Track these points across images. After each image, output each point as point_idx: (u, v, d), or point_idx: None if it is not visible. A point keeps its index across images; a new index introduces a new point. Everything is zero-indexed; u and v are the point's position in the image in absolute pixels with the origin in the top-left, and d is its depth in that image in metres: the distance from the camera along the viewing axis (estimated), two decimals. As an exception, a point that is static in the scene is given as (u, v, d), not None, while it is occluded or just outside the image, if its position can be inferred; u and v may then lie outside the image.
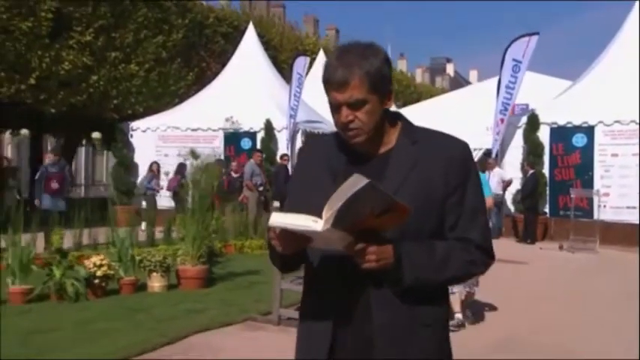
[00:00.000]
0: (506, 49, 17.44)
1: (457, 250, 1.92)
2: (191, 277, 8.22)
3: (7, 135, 33.57)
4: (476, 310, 7.33)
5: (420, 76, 61.34)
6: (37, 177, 12.94)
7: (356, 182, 1.65)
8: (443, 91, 50.66)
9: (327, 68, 1.89)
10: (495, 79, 21.27)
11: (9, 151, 37.81)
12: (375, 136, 1.93)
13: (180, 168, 16.19)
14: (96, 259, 7.53)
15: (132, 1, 20.73)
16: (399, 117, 2.02)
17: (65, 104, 18.62)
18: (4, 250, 7.81)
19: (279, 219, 1.73)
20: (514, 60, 17.27)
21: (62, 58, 18.25)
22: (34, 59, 17.34)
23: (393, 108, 1.98)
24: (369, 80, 1.85)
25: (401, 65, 58.09)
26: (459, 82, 75.56)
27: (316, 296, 1.96)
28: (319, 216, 1.70)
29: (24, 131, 18.74)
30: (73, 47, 18.71)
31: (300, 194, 2.03)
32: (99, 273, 7.47)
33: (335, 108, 1.90)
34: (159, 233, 12.26)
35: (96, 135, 18.70)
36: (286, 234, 1.77)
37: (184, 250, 8.46)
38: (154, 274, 7.98)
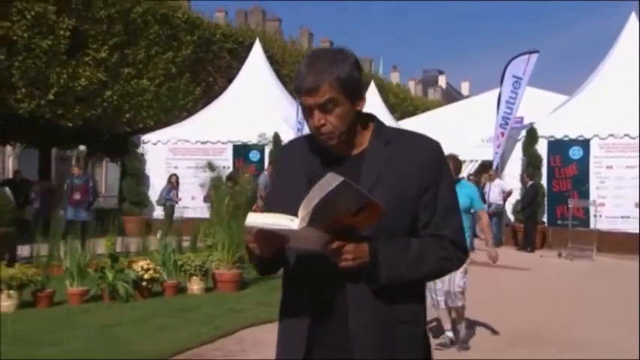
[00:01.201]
0: (506, 66, 18.26)
1: (432, 246, 1.94)
2: (227, 281, 8.95)
3: (8, 147, 34.08)
4: (467, 336, 6.73)
5: (413, 89, 62.18)
6: (64, 188, 13.63)
7: (331, 181, 1.68)
8: (438, 103, 51.62)
9: (298, 75, 1.92)
10: (489, 93, 22.32)
11: (10, 164, 38.33)
12: (349, 138, 1.96)
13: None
14: (143, 264, 8.25)
15: (144, 19, 21.49)
16: (371, 118, 2.05)
17: (81, 118, 19.32)
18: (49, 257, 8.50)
19: (256, 219, 1.76)
20: (514, 76, 18.10)
21: (79, 74, 18.95)
22: (52, 76, 18.04)
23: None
24: (339, 85, 1.88)
25: (394, 77, 58.86)
26: (451, 93, 76.12)
27: (294, 296, 1.98)
28: (296, 215, 1.74)
29: (82, 147, 19.52)
30: (89, 64, 19.43)
31: (276, 198, 2.06)
32: (146, 276, 8.19)
33: (307, 112, 1.93)
34: (185, 242, 12.92)
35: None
36: (263, 235, 1.80)
37: (219, 256, 9.16)
38: (194, 277, 8.70)
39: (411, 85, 65.73)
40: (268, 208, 2.00)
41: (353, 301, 1.87)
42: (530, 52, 18.12)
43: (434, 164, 1.98)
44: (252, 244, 1.85)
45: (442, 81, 78.61)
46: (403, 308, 1.93)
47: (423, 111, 36.99)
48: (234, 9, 47.38)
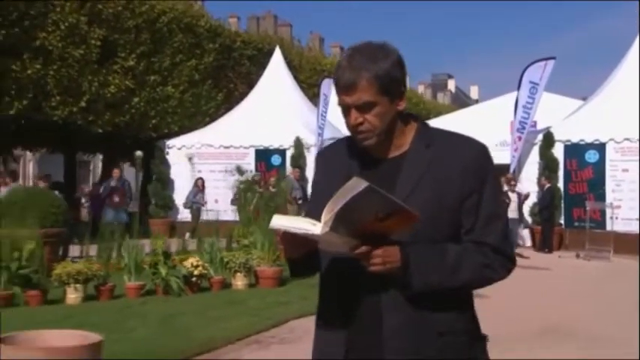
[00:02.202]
0: (523, 71, 18.80)
1: (471, 252, 1.85)
2: (268, 277, 9.55)
3: (28, 153, 34.83)
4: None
5: (422, 92, 62.66)
6: (101, 192, 14.30)
7: (354, 185, 1.64)
8: (449, 107, 52.16)
9: (337, 70, 1.87)
10: (500, 98, 22.97)
11: (31, 168, 39.12)
12: (388, 138, 1.89)
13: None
14: (193, 261, 8.86)
15: (169, 28, 22.19)
16: (414, 119, 1.98)
17: (110, 125, 20.02)
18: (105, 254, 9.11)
19: (279, 222, 1.74)
20: (531, 82, 18.62)
21: (109, 82, 19.67)
22: (84, 84, 18.75)
23: None
24: (378, 83, 1.82)
25: (404, 81, 59.31)
26: (460, 97, 76.24)
27: (329, 298, 1.93)
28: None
29: (138, 153, 20.25)
30: (118, 72, 20.14)
31: (316, 199, 2.00)
32: (196, 272, 8.80)
33: (345, 111, 1.88)
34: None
35: (138, 154, 20.08)
36: (289, 237, 1.78)
37: (259, 254, 9.77)
38: (238, 274, 9.30)
39: (421, 88, 66.10)
40: (308, 210, 1.99)
41: (385, 306, 1.81)
42: (547, 59, 18.65)
43: (479, 167, 1.89)
44: (280, 244, 1.85)
45: (451, 85, 78.47)
46: (439, 318, 1.82)
47: (435, 115, 37.48)
48: (247, 14, 47.75)
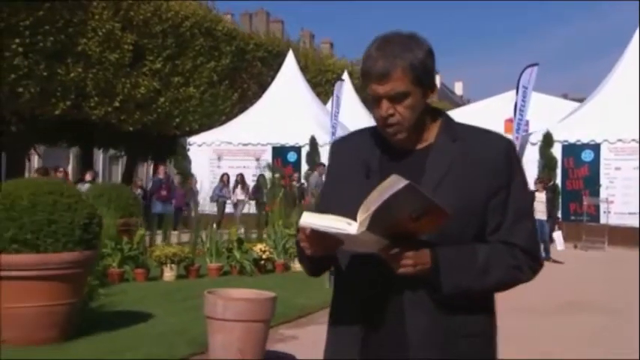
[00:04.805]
0: (519, 77, 20.56)
1: (501, 254, 1.78)
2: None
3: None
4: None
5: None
6: (150, 187, 15.74)
7: (394, 183, 1.57)
8: (435, 103, 53.35)
9: (367, 59, 1.78)
10: (494, 98, 25.22)
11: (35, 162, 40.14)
12: (415, 131, 1.81)
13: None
14: (261, 247, 10.35)
15: (191, 32, 23.60)
16: (439, 112, 1.90)
17: (140, 123, 21.44)
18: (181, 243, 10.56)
19: (311, 220, 1.65)
20: (523, 87, 20.38)
21: (139, 83, 21.10)
22: (118, 85, 20.16)
23: None
24: (412, 72, 1.75)
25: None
26: (445, 93, 77.28)
27: (346, 298, 1.85)
28: (352, 217, 1.63)
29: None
30: (146, 74, 21.57)
31: (331, 191, 1.95)
32: (264, 256, 10.29)
33: (375, 101, 1.78)
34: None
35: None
36: (317, 235, 1.68)
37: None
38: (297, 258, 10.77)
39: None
40: (321, 203, 1.94)
41: (409, 307, 1.74)
42: (532, 65, 20.53)
43: (506, 164, 1.81)
44: (304, 243, 1.73)
45: (437, 81, 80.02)
46: (464, 320, 1.78)
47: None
48: (240, 10, 48.49)
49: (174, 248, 9.63)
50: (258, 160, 20.56)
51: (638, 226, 18.06)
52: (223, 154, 22.81)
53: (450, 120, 1.89)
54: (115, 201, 10.60)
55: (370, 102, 1.81)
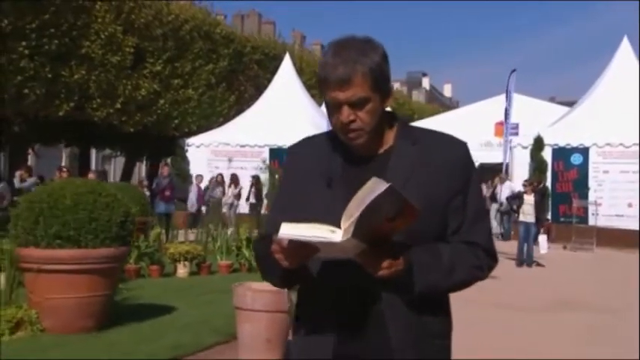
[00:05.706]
0: (507, 85, 21.31)
1: (464, 254, 1.82)
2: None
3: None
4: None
5: (399, 89, 63.69)
6: (154, 186, 16.16)
7: (375, 187, 1.56)
8: (424, 105, 54.09)
9: (325, 66, 1.75)
10: (483, 102, 26.19)
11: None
12: (374, 136, 1.81)
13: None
14: (267, 245, 10.81)
15: (190, 35, 24.05)
16: (395, 117, 1.91)
17: (140, 124, 21.87)
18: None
19: (291, 231, 1.58)
20: (509, 92, 21.16)
21: (139, 85, 21.52)
22: (120, 87, 20.58)
23: None
24: (372, 77, 1.74)
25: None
26: (434, 95, 76.76)
27: (320, 304, 1.82)
28: (336, 225, 1.59)
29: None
30: (147, 76, 21.99)
31: (288, 201, 1.90)
32: (271, 254, 10.75)
33: (335, 107, 1.77)
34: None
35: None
36: (294, 246, 1.62)
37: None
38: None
39: (396, 86, 67.28)
40: (278, 212, 1.90)
41: (386, 308, 1.76)
42: (512, 71, 21.62)
43: (464, 166, 1.87)
44: (279, 255, 1.66)
45: (426, 83, 78.64)
46: (433, 321, 1.83)
47: (411, 112, 39.52)
48: (232, 11, 48.94)
49: (188, 246, 10.11)
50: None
51: (624, 227, 18.73)
52: (221, 155, 23.19)
53: (406, 124, 1.92)
54: (129, 201, 11.01)
55: (329, 109, 1.80)
